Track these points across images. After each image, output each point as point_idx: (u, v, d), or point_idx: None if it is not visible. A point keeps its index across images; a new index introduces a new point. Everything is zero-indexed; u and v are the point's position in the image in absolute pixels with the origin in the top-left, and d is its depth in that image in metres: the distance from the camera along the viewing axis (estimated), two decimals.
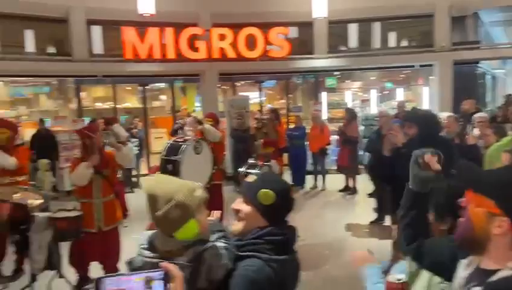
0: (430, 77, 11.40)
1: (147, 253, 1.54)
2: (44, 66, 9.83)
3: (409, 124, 3.53)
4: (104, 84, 12.11)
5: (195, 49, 10.25)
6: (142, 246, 1.58)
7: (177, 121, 9.91)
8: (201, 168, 5.80)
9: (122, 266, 4.47)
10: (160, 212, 1.50)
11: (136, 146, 9.38)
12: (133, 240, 5.00)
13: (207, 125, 6.27)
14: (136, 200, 7.45)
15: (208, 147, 6.00)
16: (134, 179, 9.53)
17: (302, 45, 11.26)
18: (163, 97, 14.90)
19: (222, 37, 10.28)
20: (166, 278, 1.09)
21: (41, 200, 4.44)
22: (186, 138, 6.13)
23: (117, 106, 11.54)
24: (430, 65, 11.11)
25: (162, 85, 13.76)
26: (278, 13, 10.55)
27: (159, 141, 12.18)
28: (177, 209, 1.50)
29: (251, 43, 10.41)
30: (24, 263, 4.83)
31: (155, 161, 9.99)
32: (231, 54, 10.33)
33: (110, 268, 4.48)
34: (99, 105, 13.34)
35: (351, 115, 8.64)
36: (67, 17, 9.87)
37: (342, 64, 11.11)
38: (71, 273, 4.41)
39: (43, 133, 8.99)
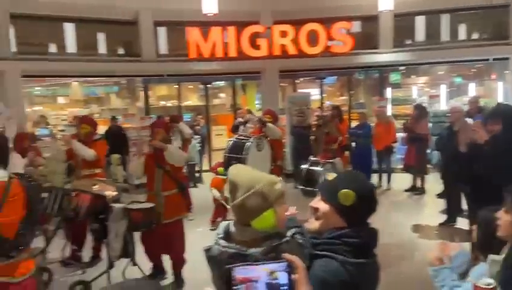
0: (505, 71, 10.62)
1: (223, 242, 1.55)
2: (115, 66, 10.40)
3: (493, 120, 3.29)
4: (167, 83, 12.58)
5: (257, 47, 10.34)
6: (218, 235, 1.58)
7: (238, 118, 10.08)
8: (261, 165, 5.86)
9: (189, 258, 4.63)
10: (239, 200, 1.51)
11: (198, 143, 9.65)
12: (198, 233, 5.17)
13: (269, 124, 6.33)
14: (199, 195, 7.66)
15: (268, 144, 6.08)
16: (197, 175, 9.79)
17: (366, 40, 10.95)
18: (223, 95, 15.23)
19: (283, 34, 10.27)
20: (290, 269, 1.10)
21: (117, 192, 4.71)
22: (248, 135, 6.24)
23: (180, 104, 11.92)
24: (506, 58, 10.35)
25: (222, 83, 14.06)
26: (341, 7, 10.34)
27: (220, 138, 12.48)
28: (255, 198, 1.50)
29: (313, 39, 10.30)
30: (101, 250, 5.16)
31: (217, 158, 10.22)
32: (292, 50, 10.30)
33: (177, 260, 4.64)
34: (163, 103, 13.92)
35: (420, 111, 8.23)
36: (136, 19, 10.36)
37: (409, 58, 10.65)
38: (144, 262, 4.62)
39: (115, 130, 9.52)
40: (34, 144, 6.62)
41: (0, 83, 9.30)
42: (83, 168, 5.34)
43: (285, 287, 1.10)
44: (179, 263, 4.65)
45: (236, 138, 6.14)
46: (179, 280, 4.66)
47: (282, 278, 1.10)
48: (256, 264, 1.11)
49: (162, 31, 10.97)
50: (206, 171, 10.04)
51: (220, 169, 6.46)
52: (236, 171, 1.63)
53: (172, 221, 4.51)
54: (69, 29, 10.27)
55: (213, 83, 12.82)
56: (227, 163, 5.72)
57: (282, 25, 10.32)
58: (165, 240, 4.50)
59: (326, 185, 1.66)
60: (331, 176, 1.70)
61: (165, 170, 4.48)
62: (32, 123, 10.60)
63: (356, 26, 10.97)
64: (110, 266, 4.22)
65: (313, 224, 1.65)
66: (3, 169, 2.66)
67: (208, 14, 8.02)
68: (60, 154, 5.43)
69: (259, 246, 1.48)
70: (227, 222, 1.63)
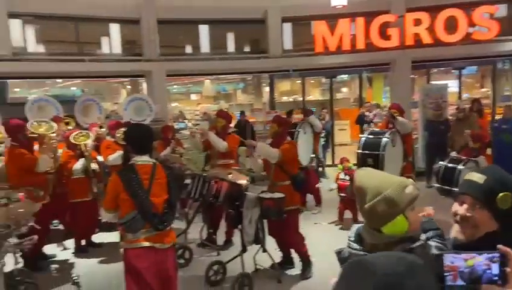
0: None
1: (354, 245, 1.54)
2: (243, 63, 10.89)
3: None
4: (292, 78, 12.76)
5: (387, 37, 9.85)
6: (350, 239, 1.58)
7: (365, 113, 9.75)
8: (394, 161, 5.66)
9: (313, 250, 4.71)
10: (367, 206, 1.47)
11: (322, 137, 9.57)
12: (319, 227, 5.12)
13: (400, 118, 6.03)
14: (322, 190, 7.59)
15: (400, 138, 5.82)
16: (320, 169, 9.72)
17: None
18: (345, 89, 14.94)
19: (417, 22, 9.64)
20: (504, 261, 1.03)
21: (249, 182, 4.94)
22: (381, 130, 6.00)
23: (304, 99, 11.97)
24: None
25: (346, 77, 13.75)
26: None
27: (342, 133, 12.25)
28: (384, 204, 1.44)
29: (451, 26, 9.44)
30: (233, 235, 5.45)
31: (340, 152, 10.03)
32: (427, 39, 9.59)
33: (297, 251, 4.71)
34: (285, 98, 14.20)
35: None
36: (265, 17, 10.69)
37: None
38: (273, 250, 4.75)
39: (243, 124, 9.99)
40: (175, 136, 7.32)
41: (149, 82, 10.47)
42: (219, 158, 5.71)
43: (496, 278, 1.01)
44: (300, 253, 4.72)
45: (369, 134, 5.98)
46: (305, 271, 4.69)
47: (494, 269, 1.02)
48: (466, 253, 1.04)
49: (287, 27, 11.13)
50: (329, 165, 9.95)
51: (339, 166, 6.46)
52: (363, 175, 1.57)
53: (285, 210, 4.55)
54: (203, 31, 11.05)
55: (337, 77, 12.62)
56: (361, 160, 5.60)
57: (416, 12, 9.69)
58: (275, 228, 4.63)
59: (479, 189, 1.49)
60: (475, 176, 1.52)
61: (274, 163, 4.60)
62: (171, 117, 11.70)
63: (502, 10, 9.78)
64: (244, 250, 4.42)
65: (460, 234, 1.51)
66: (148, 155, 3.19)
67: (337, 7, 7.91)
68: (199, 145, 5.88)
69: (391, 250, 1.42)
70: (359, 224, 1.61)
